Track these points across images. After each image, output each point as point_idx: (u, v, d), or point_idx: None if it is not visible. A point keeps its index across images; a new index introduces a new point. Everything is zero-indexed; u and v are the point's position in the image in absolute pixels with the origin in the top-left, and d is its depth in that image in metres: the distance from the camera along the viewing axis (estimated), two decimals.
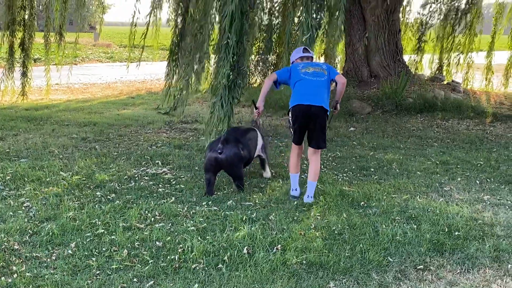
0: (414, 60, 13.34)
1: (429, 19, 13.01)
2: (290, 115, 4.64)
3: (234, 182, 4.77)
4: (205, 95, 11.69)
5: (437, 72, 13.31)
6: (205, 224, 3.88)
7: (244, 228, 3.79)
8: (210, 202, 4.41)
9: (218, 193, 4.70)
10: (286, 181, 5.09)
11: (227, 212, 4.15)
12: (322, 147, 4.67)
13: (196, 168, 5.62)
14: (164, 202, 4.35)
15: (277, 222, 3.97)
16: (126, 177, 5.11)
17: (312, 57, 5.03)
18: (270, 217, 4.08)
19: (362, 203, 4.45)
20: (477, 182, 5.19)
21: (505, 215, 4.21)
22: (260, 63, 13.20)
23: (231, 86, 5.53)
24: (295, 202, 4.45)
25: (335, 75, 4.74)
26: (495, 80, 12.91)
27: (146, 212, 4.11)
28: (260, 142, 5.15)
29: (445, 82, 12.39)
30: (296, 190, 4.67)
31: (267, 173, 5.30)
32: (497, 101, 11.20)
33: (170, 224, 3.89)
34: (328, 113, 4.61)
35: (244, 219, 4.00)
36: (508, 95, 11.82)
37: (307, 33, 5.79)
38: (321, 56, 13.30)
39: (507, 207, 4.43)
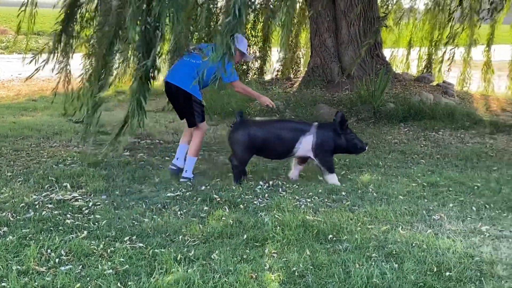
0: (397, 55, 13.72)
1: (416, 3, 13.41)
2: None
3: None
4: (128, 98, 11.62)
5: (425, 70, 13.67)
6: (127, 266, 3.83)
7: (178, 270, 3.76)
8: (134, 237, 4.36)
9: (142, 224, 4.66)
10: (233, 210, 5.12)
11: (156, 250, 4.12)
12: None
13: (117, 192, 5.55)
14: (72, 238, 4.28)
15: (222, 262, 3.96)
16: (22, 204, 5.00)
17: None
18: (212, 256, 4.07)
19: (330, 236, 4.49)
20: (474, 208, 5.34)
21: (508, 250, 4.34)
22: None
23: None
24: (245, 236, 4.45)
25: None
26: (496, 80, 13.35)
27: (49, 251, 4.02)
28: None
29: (434, 83, 12.74)
30: (177, 159, 6.42)
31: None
32: (499, 107, 11.58)
33: (81, 266, 3.82)
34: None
35: (178, 258, 3.98)
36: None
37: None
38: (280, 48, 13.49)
39: (510, 240, 4.56)
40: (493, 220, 5.03)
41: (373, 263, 4.00)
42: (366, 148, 6.25)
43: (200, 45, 6.70)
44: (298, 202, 5.37)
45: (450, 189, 5.97)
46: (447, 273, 3.87)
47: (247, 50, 6.54)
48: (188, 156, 6.29)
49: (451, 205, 5.41)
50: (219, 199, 5.41)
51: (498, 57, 13.37)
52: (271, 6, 6.87)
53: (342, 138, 6.06)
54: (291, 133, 6.07)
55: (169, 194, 5.56)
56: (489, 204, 5.47)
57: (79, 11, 7.80)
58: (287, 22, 6.03)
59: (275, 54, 13.92)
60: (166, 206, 5.23)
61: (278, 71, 13.57)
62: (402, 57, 14.60)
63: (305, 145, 6.02)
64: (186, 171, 6.23)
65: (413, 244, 4.37)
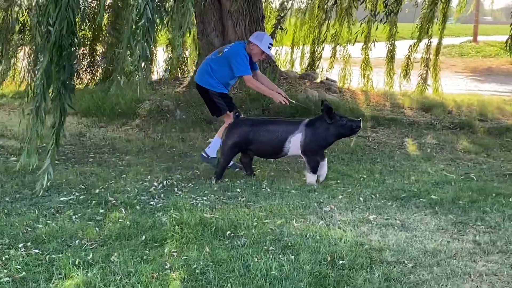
0: (281, 53, 14.01)
1: (297, 3, 13.76)
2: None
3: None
4: (11, 100, 11.21)
5: (309, 68, 14.07)
6: (24, 273, 3.73)
7: (77, 274, 3.70)
8: (29, 244, 4.25)
9: (37, 230, 4.55)
10: (130, 211, 5.08)
11: (53, 255, 4.04)
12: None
13: (7, 199, 5.37)
14: None
15: (121, 264, 3.93)
16: None
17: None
18: (111, 258, 4.03)
19: (228, 232, 4.56)
20: (361, 199, 5.58)
21: (394, 237, 4.57)
22: (88, 57, 12.99)
23: (60, 90, 5.38)
24: (143, 237, 4.44)
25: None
26: (374, 77, 13.94)
27: None
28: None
29: (318, 80, 13.12)
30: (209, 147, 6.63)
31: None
32: (378, 102, 12.10)
33: None
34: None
35: (77, 262, 3.91)
36: (390, 95, 12.82)
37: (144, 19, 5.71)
38: (166, 47, 13.45)
39: (395, 227, 4.81)
40: (379, 209, 5.28)
41: (271, 256, 4.10)
42: (361, 124, 6.13)
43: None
44: (194, 201, 5.41)
45: (339, 181, 6.20)
46: (340, 262, 4.03)
47: (269, 47, 6.56)
48: (216, 137, 6.70)
49: (340, 197, 5.63)
50: (114, 201, 5.35)
51: (376, 54, 13.98)
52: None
53: (333, 127, 6.03)
54: (279, 133, 6.08)
55: (62, 199, 5.43)
56: (374, 194, 5.74)
57: None
58: (183, 24, 6.02)
59: (161, 54, 13.90)
60: (60, 211, 5.11)
61: (166, 71, 13.49)
62: (286, 55, 14.94)
63: (294, 144, 6.05)
64: (209, 147, 6.63)
65: (307, 236, 4.51)
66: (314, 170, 6.09)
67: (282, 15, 10.97)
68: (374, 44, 13.50)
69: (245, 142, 6.12)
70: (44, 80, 5.39)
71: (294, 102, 6.81)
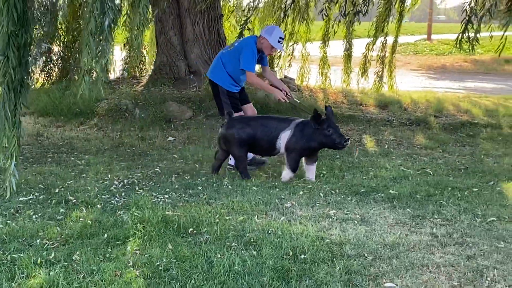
0: None
1: (256, 2, 13.79)
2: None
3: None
4: None
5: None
6: None
7: (40, 273, 3.67)
8: None
9: None
10: (91, 210, 5.06)
11: (14, 255, 4.00)
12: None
13: None
14: None
15: (84, 263, 3.91)
16: None
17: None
18: (73, 257, 4.00)
19: (191, 229, 4.58)
20: (321, 195, 5.65)
21: (354, 231, 4.65)
22: (41, 56, 12.77)
23: (16, 89, 5.29)
24: (105, 236, 4.43)
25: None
26: (332, 75, 14.09)
27: None
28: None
29: None
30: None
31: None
32: (337, 100, 12.24)
33: None
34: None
35: (39, 262, 3.87)
36: (347, 92, 12.98)
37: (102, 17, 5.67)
38: (124, 46, 13.34)
39: (355, 222, 4.89)
40: (339, 204, 5.35)
41: (234, 252, 4.13)
42: (346, 144, 5.95)
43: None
44: (156, 199, 5.41)
45: (299, 178, 6.27)
46: (302, 256, 4.09)
47: (279, 41, 6.53)
48: None
49: (301, 192, 5.69)
50: (75, 200, 5.31)
51: (333, 52, 14.13)
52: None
53: (318, 134, 5.94)
54: (272, 129, 6.06)
55: (21, 199, 5.37)
56: (334, 190, 5.81)
57: None
58: (142, 23, 6.00)
59: (118, 53, 13.77)
60: (20, 211, 5.05)
61: (124, 70, 13.40)
62: None
63: (284, 141, 6.02)
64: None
65: (269, 231, 4.56)
66: (293, 169, 6.05)
67: (248, 15, 10.99)
68: (328, 43, 13.61)
69: (246, 139, 6.08)
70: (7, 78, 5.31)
71: (298, 102, 6.78)
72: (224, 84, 6.58)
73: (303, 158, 6.18)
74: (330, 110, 6.14)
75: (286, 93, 6.63)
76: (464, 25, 9.47)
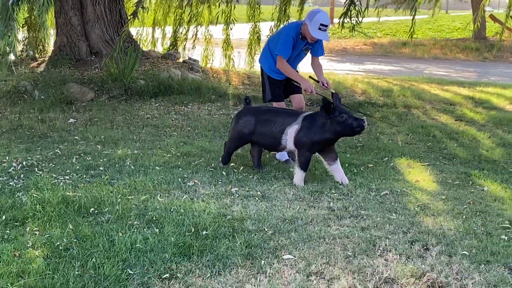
0: (142, 33, 13.86)
1: None
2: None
3: None
4: None
5: (171, 48, 14.08)
6: None
7: None
8: None
9: None
10: None
11: None
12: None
13: None
14: None
15: None
16: None
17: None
18: None
19: (92, 209, 4.56)
20: (224, 173, 5.73)
21: (255, 207, 4.77)
22: None
23: None
24: (3, 217, 4.33)
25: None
26: (236, 57, 14.18)
27: None
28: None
29: (180, 60, 13.16)
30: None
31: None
32: (239, 81, 12.35)
33: None
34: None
35: None
36: (251, 74, 13.11)
37: None
38: (23, 27, 12.90)
39: (256, 198, 5.01)
40: (241, 182, 5.47)
41: (136, 230, 4.16)
42: (364, 124, 5.28)
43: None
44: (56, 180, 5.32)
45: (202, 157, 6.33)
46: (204, 232, 4.16)
47: (320, 28, 5.90)
48: None
49: (203, 171, 5.76)
50: None
51: (237, 35, 14.21)
52: None
53: (330, 124, 5.36)
54: (277, 124, 5.63)
55: None
56: (237, 168, 5.92)
57: None
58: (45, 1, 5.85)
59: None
60: None
61: (21, 50, 12.96)
62: (147, 35, 14.81)
63: (291, 137, 5.56)
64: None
65: (172, 210, 4.60)
66: (303, 166, 5.48)
67: None
68: (233, 25, 13.67)
69: (247, 133, 5.82)
70: None
71: (334, 91, 5.87)
72: (267, 69, 6.42)
73: (323, 159, 5.70)
74: (337, 96, 5.66)
75: (323, 83, 6.30)
76: (347, 6, 10.07)
